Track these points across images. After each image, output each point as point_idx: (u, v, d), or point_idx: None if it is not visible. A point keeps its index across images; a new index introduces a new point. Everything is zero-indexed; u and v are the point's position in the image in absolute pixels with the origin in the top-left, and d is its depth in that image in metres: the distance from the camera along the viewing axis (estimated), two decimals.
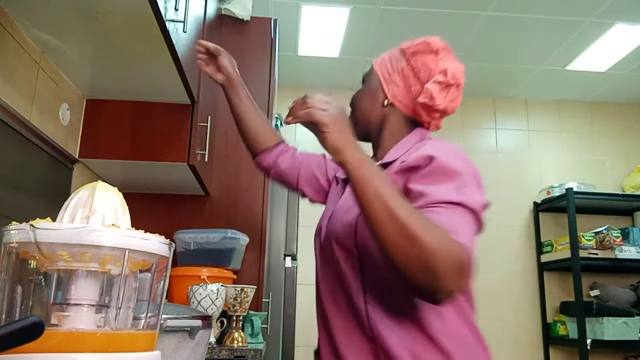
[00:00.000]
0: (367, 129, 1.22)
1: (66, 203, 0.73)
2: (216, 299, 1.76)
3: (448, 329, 1.01)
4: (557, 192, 3.64)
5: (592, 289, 3.60)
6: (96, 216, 0.71)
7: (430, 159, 0.98)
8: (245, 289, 1.85)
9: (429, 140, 1.17)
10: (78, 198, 0.72)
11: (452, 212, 0.90)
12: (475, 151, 3.97)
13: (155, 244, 0.71)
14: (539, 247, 3.77)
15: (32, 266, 0.70)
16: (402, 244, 0.83)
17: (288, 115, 1.02)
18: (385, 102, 1.19)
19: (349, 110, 1.19)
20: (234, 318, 1.86)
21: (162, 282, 0.75)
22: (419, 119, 1.21)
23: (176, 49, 1.43)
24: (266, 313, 2.32)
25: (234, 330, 1.85)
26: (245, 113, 1.43)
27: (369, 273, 1.03)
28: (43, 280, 0.72)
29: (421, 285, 0.84)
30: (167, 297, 1.78)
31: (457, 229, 0.87)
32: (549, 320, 3.67)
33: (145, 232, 0.70)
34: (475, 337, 1.06)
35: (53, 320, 0.68)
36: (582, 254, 3.35)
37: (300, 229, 2.80)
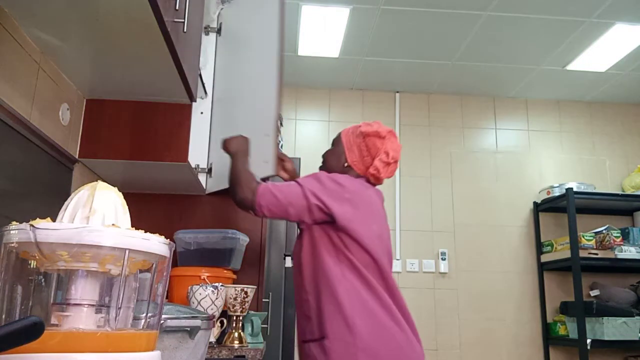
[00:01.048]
0: None
1: (66, 203, 0.73)
2: (216, 299, 1.76)
3: (347, 290, 1.53)
4: (557, 192, 3.64)
5: (592, 289, 3.60)
6: (96, 216, 0.71)
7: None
8: (245, 289, 1.85)
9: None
10: (78, 198, 0.72)
11: (290, 182, 1.64)
12: (475, 151, 3.97)
13: (155, 244, 0.71)
14: (539, 247, 3.77)
15: (32, 266, 0.70)
16: (234, 179, 1.67)
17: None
18: (345, 164, 1.74)
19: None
20: (234, 318, 1.86)
21: (162, 282, 0.75)
22: (365, 176, 1.73)
23: (176, 49, 1.43)
24: (266, 313, 2.32)
25: (234, 330, 1.84)
26: None
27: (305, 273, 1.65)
28: (43, 280, 0.72)
29: (234, 196, 1.65)
30: (167, 297, 1.78)
31: (279, 185, 1.60)
32: (549, 320, 3.67)
33: (145, 232, 0.70)
34: (374, 303, 1.53)
35: (53, 320, 0.68)
36: (582, 254, 3.35)
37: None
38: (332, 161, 1.76)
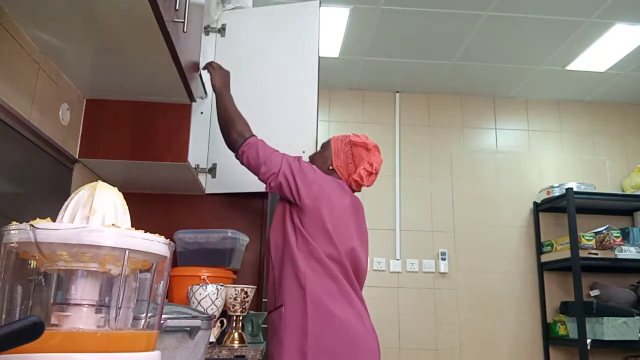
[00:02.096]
0: None
1: (66, 203, 0.73)
2: (216, 299, 1.76)
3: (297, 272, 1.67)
4: (557, 192, 3.64)
5: (592, 289, 3.60)
6: (96, 216, 0.71)
7: None
8: (245, 289, 1.85)
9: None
10: (78, 198, 0.72)
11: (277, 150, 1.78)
12: (475, 151, 3.97)
13: (155, 244, 0.71)
14: (539, 247, 3.77)
15: (32, 266, 0.70)
16: (223, 117, 1.82)
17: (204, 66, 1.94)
18: (330, 167, 1.87)
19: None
20: (234, 318, 1.86)
21: (162, 282, 0.75)
22: (347, 182, 1.87)
23: (176, 49, 1.43)
24: (266, 313, 2.32)
25: (234, 330, 1.85)
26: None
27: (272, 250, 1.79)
28: (43, 280, 0.72)
29: (225, 137, 1.80)
30: (167, 297, 1.78)
31: (266, 145, 1.77)
32: (549, 320, 3.67)
33: (145, 232, 0.70)
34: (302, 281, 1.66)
35: (53, 320, 0.68)
36: (582, 254, 3.35)
37: None
38: (319, 162, 1.88)
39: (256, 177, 1.78)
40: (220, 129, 1.82)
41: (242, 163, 1.78)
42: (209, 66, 1.92)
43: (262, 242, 2.39)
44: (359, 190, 1.91)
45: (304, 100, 2.35)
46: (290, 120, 2.25)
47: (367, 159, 1.84)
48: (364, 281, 1.85)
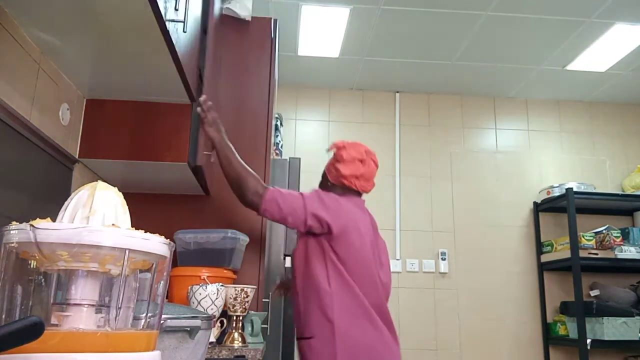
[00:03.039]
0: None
1: (66, 203, 0.73)
2: (216, 299, 1.76)
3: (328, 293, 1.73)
4: (557, 192, 3.64)
5: (592, 289, 3.60)
6: (96, 216, 0.71)
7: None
8: (245, 289, 1.85)
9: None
10: (78, 198, 0.72)
11: (295, 194, 1.80)
12: (475, 151, 3.97)
13: (155, 244, 0.71)
14: (539, 247, 3.77)
15: (32, 266, 0.70)
16: (232, 177, 1.80)
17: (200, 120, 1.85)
18: (329, 184, 1.94)
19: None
20: (234, 318, 1.86)
21: (162, 282, 0.75)
22: (353, 185, 1.91)
23: (176, 49, 1.43)
24: (266, 313, 2.32)
25: (234, 330, 1.84)
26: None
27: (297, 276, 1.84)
28: (43, 280, 0.72)
29: (241, 198, 1.80)
30: (167, 297, 1.78)
31: (283, 192, 1.78)
32: (549, 320, 3.67)
33: (145, 232, 0.70)
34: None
35: (53, 320, 0.68)
36: (582, 254, 3.35)
37: None
38: (332, 175, 1.94)
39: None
40: (231, 187, 1.82)
41: (267, 218, 1.82)
42: (201, 111, 1.81)
43: (262, 242, 2.39)
44: (369, 190, 1.94)
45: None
46: None
47: (357, 151, 1.90)
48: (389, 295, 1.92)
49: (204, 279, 1.91)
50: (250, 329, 1.99)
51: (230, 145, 1.85)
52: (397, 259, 3.69)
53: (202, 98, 1.80)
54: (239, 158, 1.82)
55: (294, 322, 1.86)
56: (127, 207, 0.76)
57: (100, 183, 0.75)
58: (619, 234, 3.42)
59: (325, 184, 1.95)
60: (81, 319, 0.68)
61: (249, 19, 2.59)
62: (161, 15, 1.25)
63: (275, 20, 2.67)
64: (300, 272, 1.81)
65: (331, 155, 1.95)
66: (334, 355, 1.66)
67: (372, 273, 1.78)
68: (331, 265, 1.74)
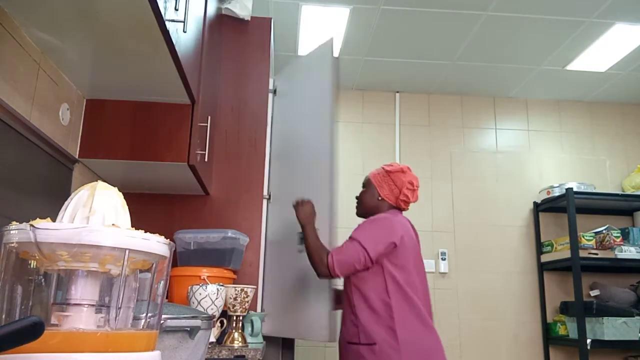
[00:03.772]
0: (367, 211, 2.17)
1: (66, 203, 0.73)
2: (216, 299, 1.76)
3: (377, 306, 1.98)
4: (557, 192, 3.64)
5: (592, 289, 3.60)
6: (96, 216, 0.71)
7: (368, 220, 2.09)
8: (245, 289, 1.85)
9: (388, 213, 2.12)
10: (78, 198, 0.72)
11: (349, 242, 2.00)
12: (475, 151, 3.97)
13: (155, 244, 0.71)
14: (539, 247, 3.77)
15: (32, 266, 0.70)
16: (310, 255, 2.00)
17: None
18: (379, 198, 2.15)
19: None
20: (234, 318, 1.86)
21: (162, 282, 0.75)
22: (397, 205, 2.15)
23: (176, 49, 1.43)
24: (264, 313, 2.32)
25: (234, 330, 1.85)
26: None
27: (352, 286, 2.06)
28: (43, 280, 0.72)
29: (317, 273, 1.99)
30: (167, 297, 1.78)
31: (342, 249, 1.98)
32: (549, 320, 3.67)
33: (145, 232, 0.70)
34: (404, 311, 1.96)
35: (53, 320, 0.68)
36: (582, 254, 3.34)
37: None
38: (367, 198, 2.17)
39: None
40: (309, 258, 2.03)
41: (345, 276, 2.05)
42: (295, 203, 2.11)
43: (262, 242, 2.39)
44: (407, 209, 2.19)
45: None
46: None
47: (407, 180, 2.14)
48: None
49: (204, 279, 1.91)
50: (250, 329, 1.99)
51: (313, 227, 2.08)
52: None
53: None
54: (316, 236, 2.05)
55: (344, 329, 2.07)
56: (127, 207, 0.76)
57: (100, 183, 0.75)
58: (619, 234, 3.42)
59: (374, 196, 2.16)
60: (81, 319, 0.68)
61: (249, 18, 2.60)
62: (161, 15, 1.25)
63: (270, 19, 2.67)
64: (355, 284, 2.01)
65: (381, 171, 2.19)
66: (399, 357, 1.89)
67: (423, 279, 2.07)
68: (389, 277, 1.97)
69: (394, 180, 2.14)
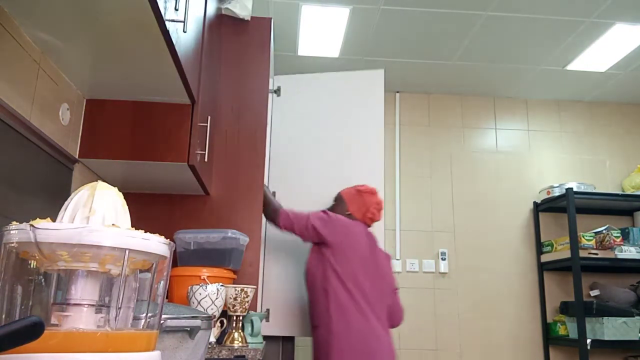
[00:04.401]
0: None
1: (66, 203, 0.73)
2: (216, 299, 1.76)
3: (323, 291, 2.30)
4: (557, 192, 3.64)
5: (592, 289, 3.60)
6: (96, 216, 0.71)
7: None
8: (245, 289, 1.85)
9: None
10: (78, 198, 0.72)
11: (305, 213, 2.38)
12: (475, 151, 3.97)
13: (155, 244, 0.71)
14: (539, 247, 3.77)
15: (32, 266, 0.70)
16: (267, 204, 2.41)
17: None
18: (347, 212, 2.47)
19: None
20: (234, 318, 1.86)
21: (162, 282, 0.75)
22: (363, 221, 2.46)
23: (176, 49, 1.43)
24: (266, 313, 2.32)
25: (234, 330, 1.85)
26: None
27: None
28: (43, 280, 0.72)
29: (267, 218, 2.43)
30: (167, 297, 1.78)
31: (295, 211, 2.37)
32: (549, 320, 3.67)
33: (145, 232, 0.70)
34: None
35: (53, 320, 0.68)
36: (582, 254, 3.35)
37: None
38: (338, 211, 2.47)
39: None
40: (264, 212, 2.42)
41: (283, 229, 2.38)
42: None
43: (262, 242, 2.39)
44: (371, 225, 2.49)
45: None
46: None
47: (374, 201, 2.48)
48: (389, 295, 2.40)
49: (204, 279, 1.91)
50: (250, 329, 1.99)
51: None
52: (397, 259, 3.69)
53: None
54: (270, 196, 2.46)
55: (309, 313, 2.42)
56: (127, 207, 0.76)
57: (100, 183, 0.75)
58: (619, 234, 3.42)
59: (343, 210, 2.48)
60: (81, 319, 0.68)
61: (249, 18, 2.60)
62: (161, 15, 1.25)
63: (270, 19, 2.67)
64: (310, 275, 2.34)
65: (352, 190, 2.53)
66: (330, 339, 2.18)
67: (376, 282, 2.32)
68: (330, 267, 2.27)
69: (364, 200, 2.47)
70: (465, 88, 3.96)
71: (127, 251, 0.67)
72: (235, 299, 1.84)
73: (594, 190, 3.62)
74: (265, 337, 2.47)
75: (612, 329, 3.20)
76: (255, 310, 2.24)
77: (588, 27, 3.07)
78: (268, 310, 2.61)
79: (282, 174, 2.76)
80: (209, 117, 2.12)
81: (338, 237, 2.29)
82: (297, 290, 2.65)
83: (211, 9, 2.13)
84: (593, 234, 3.46)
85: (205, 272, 1.97)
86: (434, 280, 3.69)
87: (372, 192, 2.49)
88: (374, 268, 2.34)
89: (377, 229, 3.07)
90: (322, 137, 2.94)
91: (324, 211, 2.37)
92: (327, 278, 2.24)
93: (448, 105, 4.05)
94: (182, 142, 1.86)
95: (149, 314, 0.72)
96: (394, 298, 2.44)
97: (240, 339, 1.83)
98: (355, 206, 2.46)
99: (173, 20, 1.36)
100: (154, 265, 0.73)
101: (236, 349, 1.73)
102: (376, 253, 2.40)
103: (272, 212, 2.38)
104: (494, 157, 3.97)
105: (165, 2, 1.28)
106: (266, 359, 2.64)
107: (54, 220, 0.69)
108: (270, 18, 2.68)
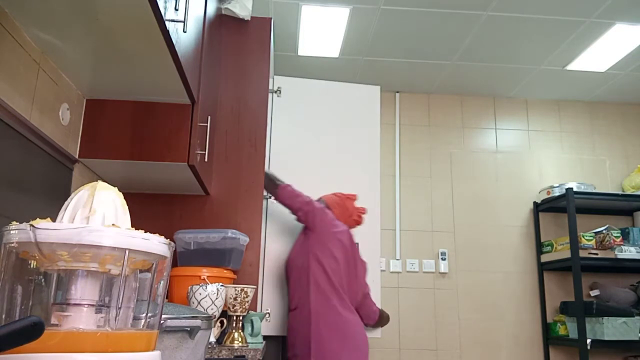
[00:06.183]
0: None
1: (66, 203, 0.73)
2: (216, 299, 1.76)
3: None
4: (557, 192, 3.64)
5: (592, 289, 3.60)
6: (96, 216, 0.71)
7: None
8: (245, 289, 1.85)
9: None
10: (78, 198, 0.72)
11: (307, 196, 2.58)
12: (475, 151, 3.97)
13: (155, 244, 0.71)
14: (539, 247, 3.77)
15: (32, 266, 0.70)
16: (266, 182, 2.55)
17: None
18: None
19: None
20: (234, 318, 1.86)
21: (162, 282, 0.75)
22: (346, 224, 2.64)
23: (176, 49, 1.43)
24: (266, 313, 2.32)
25: (234, 330, 1.85)
26: None
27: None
28: (43, 280, 0.72)
29: (267, 188, 2.58)
30: (167, 297, 1.78)
31: (299, 191, 2.57)
32: (549, 320, 3.67)
33: (145, 232, 0.70)
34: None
35: (53, 320, 0.68)
36: (582, 254, 3.34)
37: None
38: None
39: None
40: (265, 187, 2.52)
41: (281, 202, 2.56)
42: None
43: (262, 242, 2.39)
44: (354, 228, 2.68)
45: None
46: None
47: (356, 206, 2.68)
48: (359, 295, 2.57)
49: (204, 279, 1.91)
50: (250, 329, 1.99)
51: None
52: (397, 259, 3.69)
53: None
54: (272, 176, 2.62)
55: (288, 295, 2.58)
56: (127, 207, 0.76)
57: (100, 183, 0.75)
58: (619, 234, 3.42)
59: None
60: (81, 319, 0.68)
61: (249, 18, 2.60)
62: (161, 15, 1.25)
63: (270, 19, 2.67)
64: (294, 259, 2.52)
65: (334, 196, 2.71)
66: (309, 319, 2.35)
67: (354, 278, 2.53)
68: (313, 256, 2.43)
69: (346, 205, 2.65)
70: (465, 88, 3.96)
71: (127, 251, 0.67)
72: (235, 299, 1.84)
73: (594, 190, 3.62)
74: (265, 337, 2.47)
75: (612, 329, 3.20)
76: (255, 310, 2.24)
77: (588, 27, 3.07)
78: (268, 313, 2.61)
79: (282, 174, 2.75)
80: (209, 117, 2.12)
81: (327, 229, 2.47)
82: None
83: (211, 9, 2.13)
84: (593, 234, 3.46)
85: (205, 272, 1.97)
86: (434, 280, 3.69)
87: (353, 198, 2.69)
88: (352, 267, 2.52)
89: (375, 230, 3.09)
90: (321, 139, 3.00)
91: (322, 206, 2.57)
92: (309, 263, 2.42)
93: (448, 105, 4.05)
94: (182, 142, 1.86)
95: (149, 314, 0.72)
96: (365, 301, 2.61)
97: (240, 339, 1.83)
98: (339, 211, 2.63)
99: (173, 20, 1.36)
100: (154, 265, 0.73)
101: (236, 349, 1.73)
102: (355, 257, 2.57)
103: (272, 188, 2.56)
104: (494, 157, 3.97)
105: (165, 2, 1.28)
106: (266, 359, 2.64)
107: (54, 220, 0.69)
108: (270, 18, 2.68)
